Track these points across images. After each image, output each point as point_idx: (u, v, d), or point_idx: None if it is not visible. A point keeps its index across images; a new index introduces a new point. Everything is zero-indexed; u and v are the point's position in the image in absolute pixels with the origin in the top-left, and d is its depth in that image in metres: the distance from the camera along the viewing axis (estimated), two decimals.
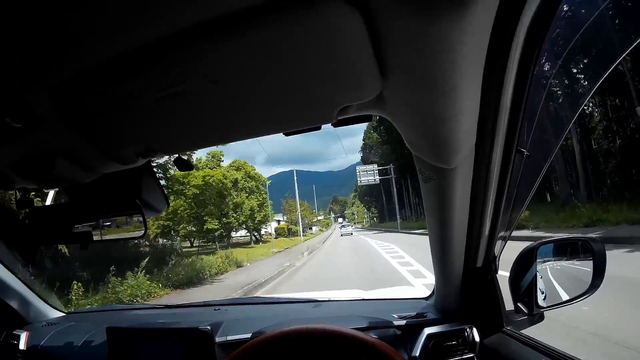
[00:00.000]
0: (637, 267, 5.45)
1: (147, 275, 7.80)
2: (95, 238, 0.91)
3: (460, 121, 0.58)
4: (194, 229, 20.42)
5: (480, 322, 0.99)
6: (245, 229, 27.21)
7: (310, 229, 73.42)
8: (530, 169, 0.81)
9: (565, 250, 1.06)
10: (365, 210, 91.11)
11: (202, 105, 0.54)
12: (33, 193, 0.85)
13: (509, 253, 0.98)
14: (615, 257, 5.13)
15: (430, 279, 2.32)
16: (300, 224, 37.81)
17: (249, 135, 0.67)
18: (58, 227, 0.92)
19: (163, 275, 8.52)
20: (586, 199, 14.30)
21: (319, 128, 0.65)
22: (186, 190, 17.91)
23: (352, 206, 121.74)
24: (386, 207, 59.37)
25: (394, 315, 1.12)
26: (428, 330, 0.99)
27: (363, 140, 68.91)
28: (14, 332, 1.33)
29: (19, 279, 1.37)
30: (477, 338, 0.98)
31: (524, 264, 0.96)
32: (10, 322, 1.36)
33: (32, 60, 0.45)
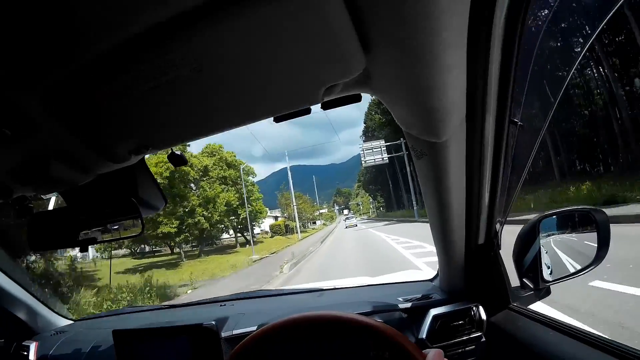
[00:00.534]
0: None
1: None
2: (96, 240, 0.91)
3: (447, 92, 0.58)
4: (150, 232, 15.76)
5: (486, 300, 0.98)
6: (232, 228, 23.92)
7: (314, 223, 68.83)
8: (526, 141, 0.80)
9: (567, 222, 1.05)
10: (371, 200, 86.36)
11: (189, 96, 0.54)
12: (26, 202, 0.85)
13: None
14: None
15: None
16: (297, 219, 33.44)
17: (239, 123, 0.66)
18: (58, 231, 0.92)
19: None
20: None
21: (308, 111, 0.65)
22: None
23: (357, 197, 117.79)
24: (393, 195, 54.94)
25: (399, 299, 1.12)
26: (434, 312, 0.99)
27: (364, 122, 62.80)
28: (23, 344, 1.33)
29: (25, 289, 1.37)
30: (483, 316, 0.97)
31: (527, 239, 0.95)
32: (19, 333, 1.36)
33: (18, 64, 0.45)
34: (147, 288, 8.79)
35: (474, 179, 0.78)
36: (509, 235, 0.96)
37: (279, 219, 42.32)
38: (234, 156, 23.49)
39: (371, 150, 28.62)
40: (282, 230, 35.44)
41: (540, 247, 0.95)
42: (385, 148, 28.71)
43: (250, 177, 24.98)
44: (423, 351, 0.69)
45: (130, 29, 0.42)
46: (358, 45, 0.48)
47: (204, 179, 19.67)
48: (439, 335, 0.96)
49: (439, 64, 0.51)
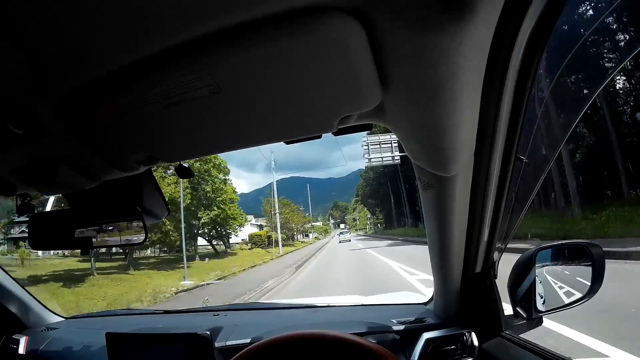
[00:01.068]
0: None
1: None
2: (96, 244, 0.91)
3: (459, 131, 0.59)
4: None
5: (479, 327, 1.00)
6: (191, 235, 18.93)
7: (307, 236, 62.07)
8: (530, 176, 0.82)
9: (564, 255, 1.06)
10: (369, 216, 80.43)
11: (204, 115, 0.55)
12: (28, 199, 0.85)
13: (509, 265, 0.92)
14: None
15: None
16: (279, 230, 26.58)
17: (250, 144, 0.67)
18: (59, 232, 0.92)
19: None
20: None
21: (319, 137, 0.66)
22: None
23: (354, 212, 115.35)
24: (395, 211, 48.54)
25: (393, 321, 1.13)
26: (427, 335, 1.00)
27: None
28: (13, 337, 1.32)
29: (19, 283, 1.37)
30: (475, 342, 0.98)
31: (523, 269, 0.96)
32: (10, 327, 1.35)
33: (37, 68, 0.45)
34: None
35: (476, 211, 0.79)
36: (504, 265, 0.98)
37: (265, 228, 35.01)
38: None
39: (378, 146, 20.81)
40: (263, 241, 28.10)
41: (535, 278, 0.97)
42: (397, 144, 19.82)
43: (229, 179, 20.67)
44: None
45: (153, 46, 0.42)
46: (377, 81, 0.49)
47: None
48: (431, 359, 0.97)
49: (454, 105, 0.52)
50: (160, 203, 0.92)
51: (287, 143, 0.68)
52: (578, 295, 0.98)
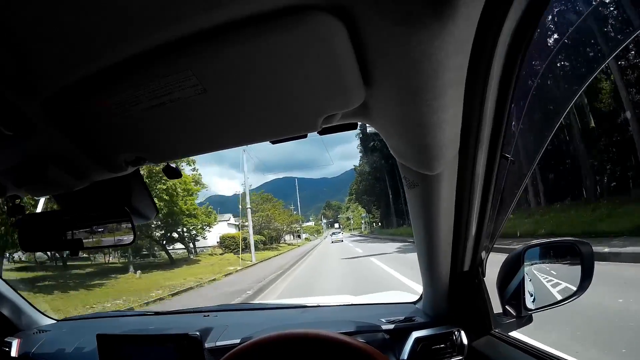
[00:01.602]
0: None
1: None
2: (86, 245, 0.91)
3: (443, 129, 0.59)
4: None
5: (468, 325, 1.00)
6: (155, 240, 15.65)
7: (299, 237, 54.98)
8: (515, 174, 0.82)
9: (552, 253, 1.07)
10: (363, 215, 73.76)
11: (190, 115, 0.55)
12: (18, 200, 0.85)
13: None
14: None
15: None
16: (251, 232, 19.57)
17: (236, 144, 0.67)
18: (49, 234, 0.92)
19: None
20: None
21: (305, 136, 0.66)
22: None
23: (347, 210, 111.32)
24: (394, 208, 42.93)
25: (382, 320, 1.13)
26: (416, 334, 1.00)
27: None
28: (5, 340, 1.32)
29: (10, 286, 1.36)
30: (465, 341, 0.99)
31: (512, 267, 0.97)
32: (2, 330, 1.35)
33: (25, 68, 0.45)
34: None
35: (463, 210, 0.80)
36: (492, 265, 0.98)
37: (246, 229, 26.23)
38: None
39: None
40: (237, 244, 20.16)
41: (524, 276, 0.97)
42: None
43: (195, 168, 16.55)
44: None
45: (138, 45, 0.43)
46: (359, 80, 0.49)
47: None
48: (420, 357, 0.98)
49: (437, 103, 0.52)
50: (149, 204, 0.92)
51: (273, 143, 0.68)
52: (568, 292, 0.99)
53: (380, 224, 57.15)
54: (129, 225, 0.89)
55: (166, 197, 14.07)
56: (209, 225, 18.49)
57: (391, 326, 1.09)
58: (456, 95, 0.54)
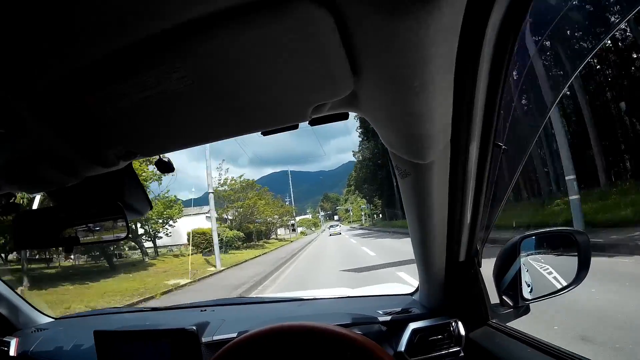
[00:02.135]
0: None
1: None
2: (80, 241, 0.91)
3: (433, 118, 0.59)
4: None
5: (466, 316, 1.00)
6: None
7: (294, 230, 48.35)
8: (509, 162, 0.82)
9: (549, 243, 1.06)
10: (364, 206, 66.33)
11: (179, 107, 0.55)
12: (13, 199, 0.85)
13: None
14: None
15: None
16: (215, 231, 13.25)
17: (226, 135, 0.67)
18: (43, 231, 0.92)
19: None
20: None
21: (296, 127, 0.66)
22: None
23: (346, 202, 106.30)
24: (398, 197, 23.19)
25: (379, 312, 1.13)
26: (413, 325, 1.00)
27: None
28: (3, 339, 1.32)
29: (7, 285, 1.36)
30: (462, 332, 0.98)
31: (508, 257, 0.96)
32: (0, 329, 1.35)
33: (12, 64, 0.45)
34: None
35: (456, 199, 0.79)
36: (488, 256, 0.98)
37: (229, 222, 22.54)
38: None
39: None
40: (208, 243, 16.02)
41: (520, 266, 0.97)
42: None
43: None
44: None
45: (125, 38, 0.42)
46: (348, 68, 0.49)
47: None
48: (418, 349, 0.98)
49: (426, 91, 0.52)
50: (142, 198, 0.92)
51: (264, 134, 0.68)
52: (565, 282, 0.99)
53: (382, 215, 51.83)
54: (123, 220, 0.89)
55: None
56: (171, 218, 14.71)
57: (388, 318, 1.09)
58: (445, 84, 0.53)
